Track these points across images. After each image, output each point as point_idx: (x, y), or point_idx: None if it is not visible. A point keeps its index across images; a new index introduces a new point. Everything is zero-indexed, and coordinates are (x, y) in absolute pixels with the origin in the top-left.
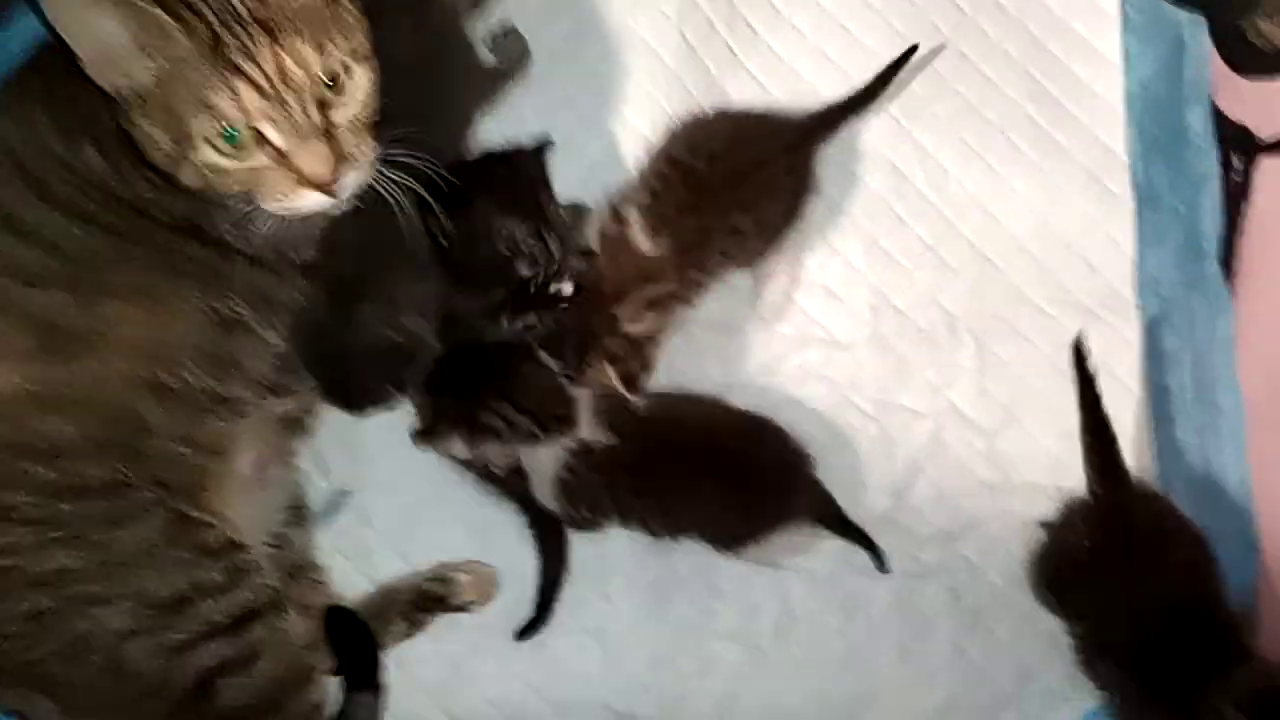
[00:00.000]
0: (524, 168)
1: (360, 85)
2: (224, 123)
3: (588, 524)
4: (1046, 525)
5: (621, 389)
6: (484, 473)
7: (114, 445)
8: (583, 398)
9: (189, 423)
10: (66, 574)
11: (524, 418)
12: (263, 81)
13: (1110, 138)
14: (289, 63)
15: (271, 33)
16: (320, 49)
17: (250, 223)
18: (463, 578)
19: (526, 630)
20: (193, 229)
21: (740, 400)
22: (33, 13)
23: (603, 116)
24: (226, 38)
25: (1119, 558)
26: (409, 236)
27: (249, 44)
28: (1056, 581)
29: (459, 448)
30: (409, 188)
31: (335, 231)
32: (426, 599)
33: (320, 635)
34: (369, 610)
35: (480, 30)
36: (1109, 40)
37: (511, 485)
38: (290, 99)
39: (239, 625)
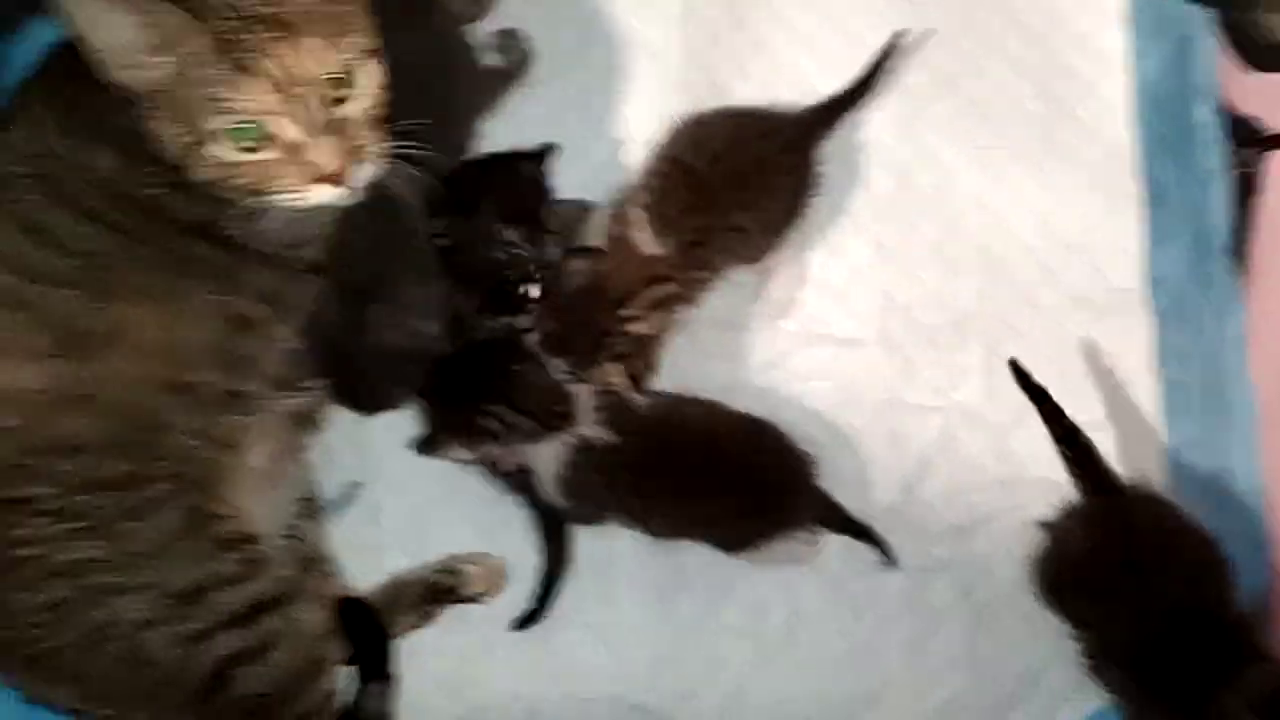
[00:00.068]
0: (523, 172)
1: (369, 80)
2: (238, 119)
3: (590, 519)
4: (1046, 526)
5: (628, 388)
6: (491, 468)
7: (131, 441)
8: (583, 395)
9: (203, 418)
10: (85, 565)
11: (523, 418)
12: (276, 78)
13: (1116, 135)
14: (301, 59)
15: (284, 30)
16: (332, 46)
17: (259, 220)
18: (472, 569)
19: (524, 621)
20: (203, 228)
21: (745, 397)
22: (47, 15)
23: (608, 118)
24: (240, 35)
25: (1119, 563)
26: (418, 238)
27: (262, 42)
28: (1058, 587)
29: (460, 453)
30: (420, 177)
31: (346, 233)
32: (436, 590)
33: (333, 626)
34: (380, 601)
35: (483, 33)
36: (1114, 37)
37: (517, 481)
38: (302, 95)
39: (253, 616)
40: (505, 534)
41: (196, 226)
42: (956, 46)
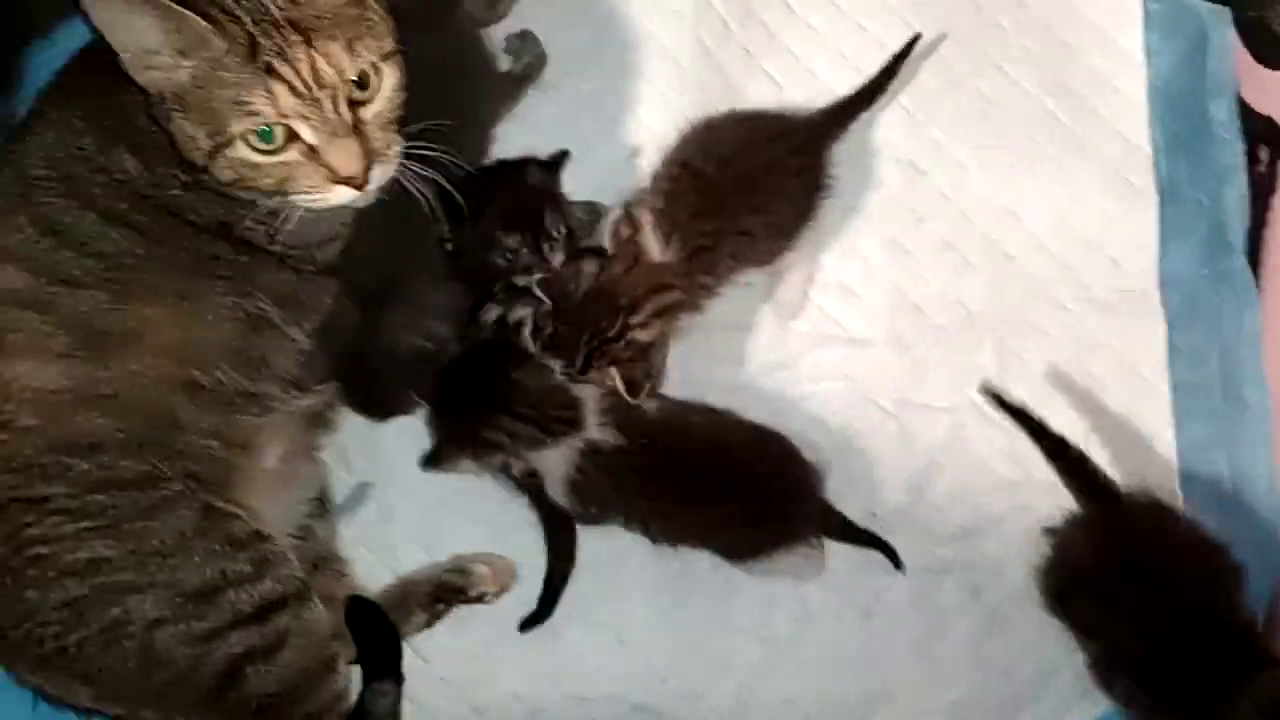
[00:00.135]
0: (529, 178)
1: (388, 83)
2: (258, 122)
3: (596, 520)
4: (1051, 534)
5: (624, 393)
6: (502, 471)
7: (147, 440)
8: (589, 398)
9: (219, 418)
10: (100, 563)
11: (526, 425)
12: (297, 82)
13: (1132, 132)
14: (322, 64)
15: (305, 35)
16: (351, 50)
17: (276, 221)
18: (481, 569)
19: (529, 622)
20: (222, 229)
21: (755, 398)
22: (78, 15)
23: (620, 120)
24: (262, 40)
25: (1121, 570)
26: (433, 240)
27: (284, 46)
28: (1063, 595)
29: (468, 465)
30: (433, 182)
31: (361, 238)
32: (445, 590)
33: (343, 625)
34: (389, 601)
35: (497, 35)
36: (1130, 34)
37: (524, 482)
38: (322, 98)
39: (265, 614)
40: (515, 534)
41: (215, 227)
42: (970, 45)
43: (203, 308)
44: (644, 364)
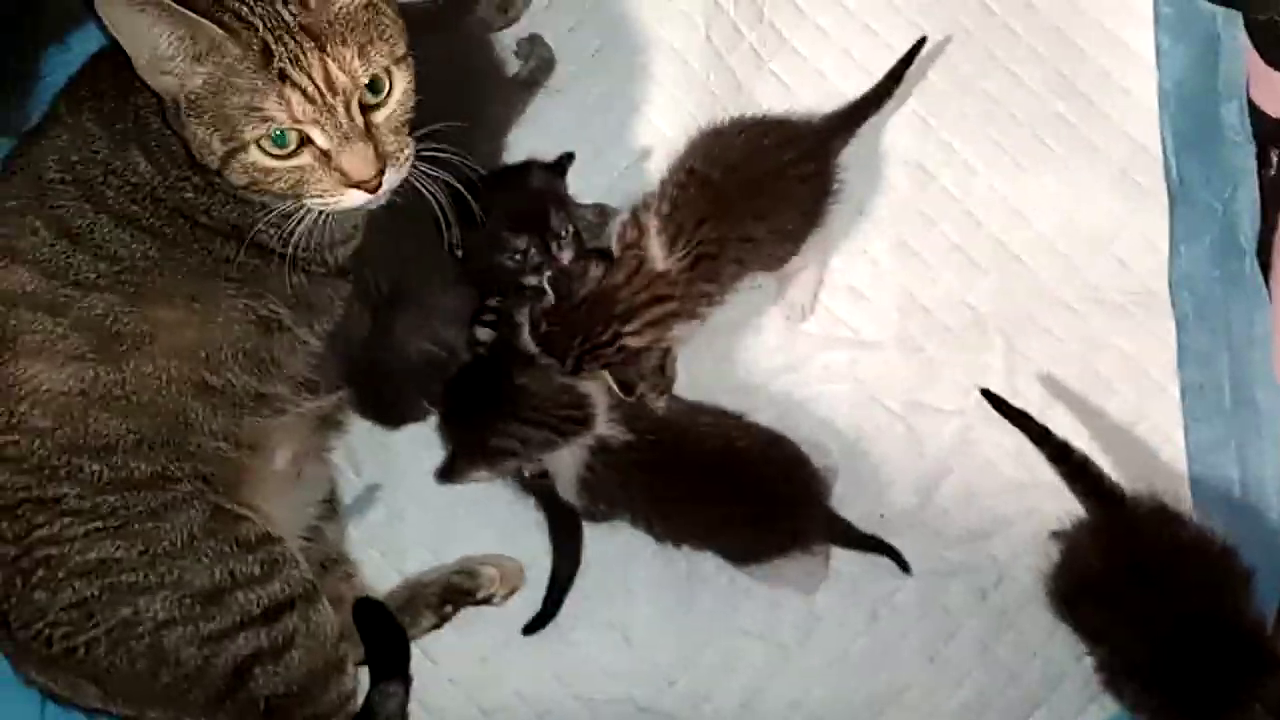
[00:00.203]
0: (534, 181)
1: (399, 86)
2: (273, 128)
3: (605, 517)
4: (1059, 538)
5: (619, 394)
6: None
7: (159, 442)
8: (598, 394)
9: (230, 420)
10: (110, 564)
11: (537, 429)
12: (310, 88)
13: (1142, 134)
14: (335, 69)
15: (319, 41)
16: (364, 55)
17: (288, 224)
18: (489, 571)
19: (534, 624)
20: (234, 232)
21: (764, 400)
22: (93, 21)
23: (630, 122)
24: (276, 47)
25: (1127, 574)
26: (444, 246)
27: (298, 52)
28: (1070, 600)
29: (482, 475)
30: (445, 185)
31: (372, 242)
32: (453, 592)
33: (351, 626)
34: (397, 603)
35: (506, 39)
36: (1140, 36)
37: (533, 484)
38: (336, 104)
39: (274, 616)
40: (524, 536)
41: (228, 230)
42: (979, 47)
43: (215, 310)
44: (636, 366)
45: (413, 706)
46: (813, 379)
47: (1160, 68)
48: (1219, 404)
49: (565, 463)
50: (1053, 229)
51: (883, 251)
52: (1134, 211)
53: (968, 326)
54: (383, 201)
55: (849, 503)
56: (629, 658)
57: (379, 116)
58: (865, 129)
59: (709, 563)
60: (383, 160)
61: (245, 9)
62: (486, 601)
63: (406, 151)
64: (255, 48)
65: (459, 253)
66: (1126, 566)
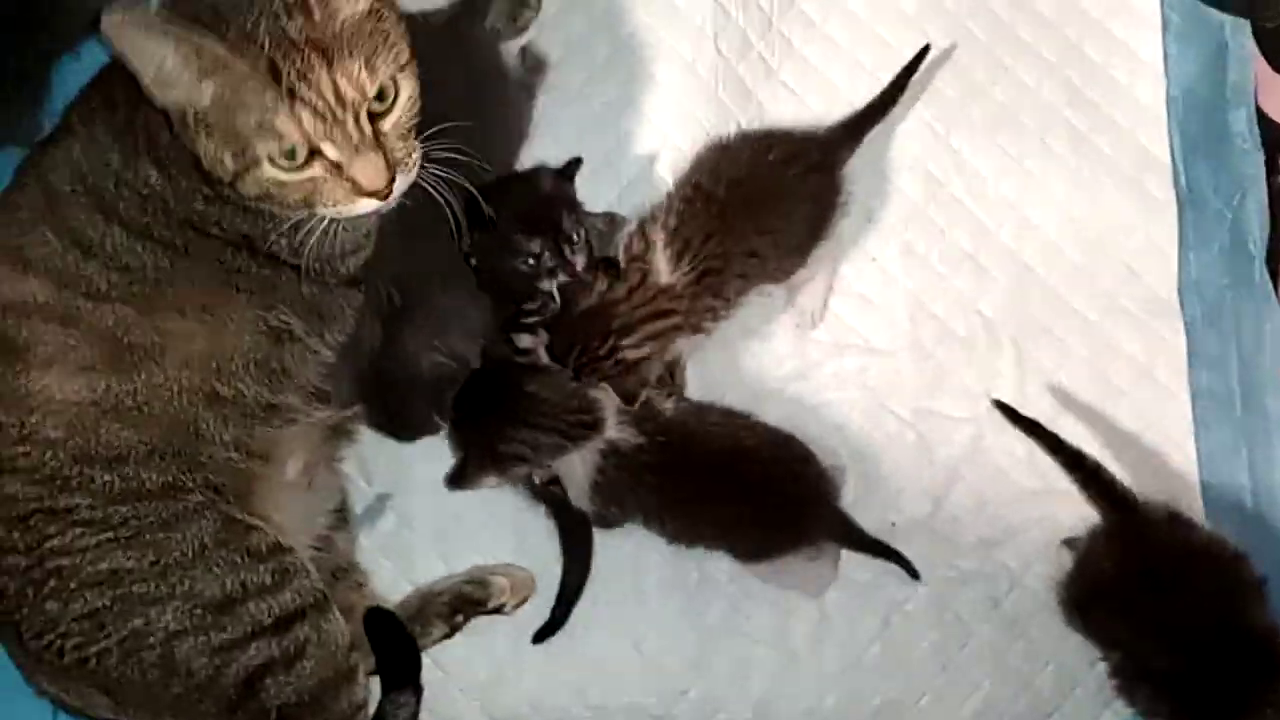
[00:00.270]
0: (543, 185)
1: (405, 92)
2: (285, 146)
3: (617, 521)
4: (1073, 546)
5: (620, 403)
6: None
7: (170, 452)
8: (607, 398)
9: (241, 430)
10: (121, 574)
11: (548, 435)
12: (320, 105)
13: (1151, 141)
14: (344, 84)
15: (325, 55)
16: (371, 68)
17: (299, 234)
18: (500, 580)
19: (543, 633)
20: (245, 242)
21: (775, 407)
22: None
23: (640, 132)
24: (284, 65)
25: (1141, 581)
26: (456, 254)
27: (305, 69)
28: (1083, 606)
29: (492, 481)
30: (457, 191)
31: (383, 252)
32: (464, 602)
33: (362, 636)
34: (407, 612)
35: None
36: (1149, 43)
37: (543, 491)
38: (345, 117)
39: (285, 625)
40: (535, 544)
41: (239, 240)
42: (988, 55)
43: (226, 321)
44: (635, 376)
45: (424, 716)
46: (823, 386)
47: (1169, 75)
48: (1229, 410)
49: (577, 467)
50: (1062, 235)
51: (892, 259)
52: (1143, 218)
53: (978, 333)
54: (393, 205)
55: (860, 510)
56: (640, 666)
57: (386, 124)
58: (874, 136)
59: (720, 571)
60: (393, 169)
61: (249, 25)
62: (497, 611)
63: (414, 156)
64: (261, 66)
65: (472, 260)
66: (1140, 572)
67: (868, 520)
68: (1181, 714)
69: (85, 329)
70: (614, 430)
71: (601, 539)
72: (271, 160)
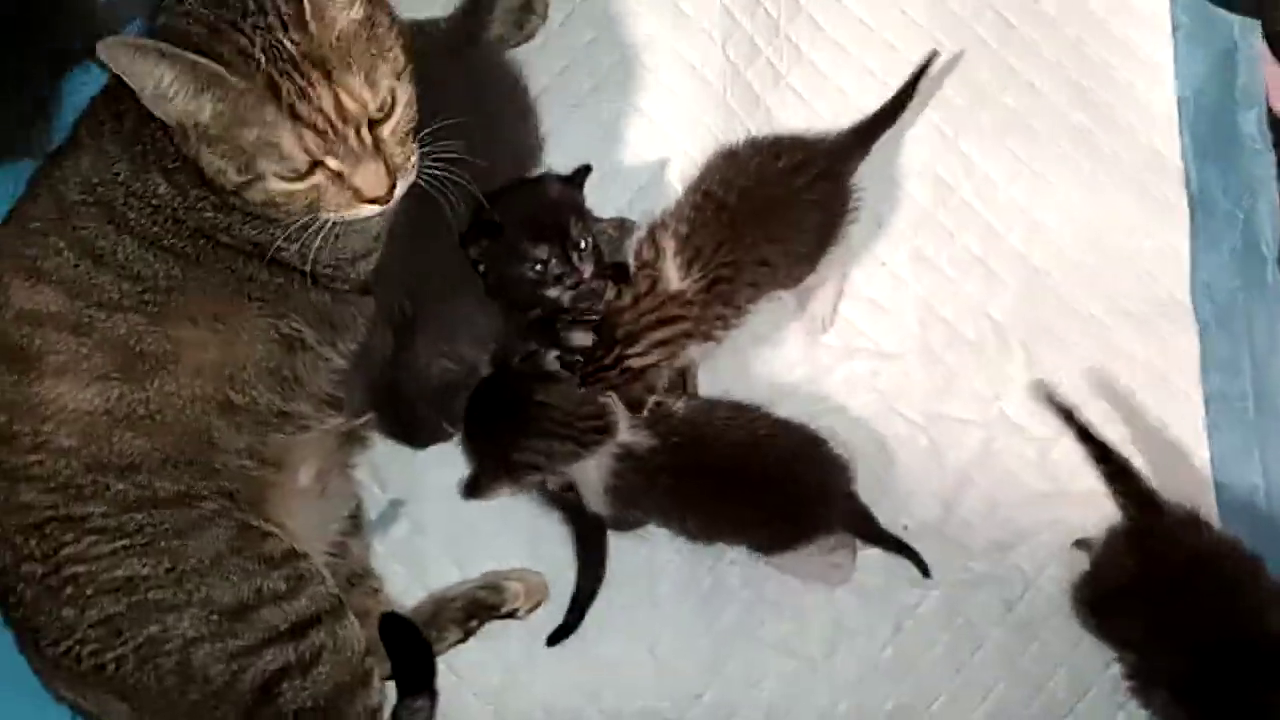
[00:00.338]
0: (550, 192)
1: (402, 99)
2: (289, 164)
3: (635, 523)
4: (1089, 548)
5: (627, 411)
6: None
7: (184, 460)
8: (617, 403)
9: (254, 437)
10: (137, 581)
11: (561, 443)
12: (322, 122)
13: (1162, 143)
14: (346, 99)
15: (325, 71)
16: (371, 81)
17: (306, 235)
18: (514, 585)
19: (556, 636)
20: (255, 250)
21: (786, 412)
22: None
23: (649, 138)
24: (283, 83)
25: (1165, 585)
26: (465, 262)
27: (306, 86)
28: (1100, 609)
29: (507, 490)
30: (463, 190)
31: (392, 260)
32: (478, 607)
33: (377, 641)
34: (422, 617)
35: None
36: (1159, 45)
37: (558, 497)
38: (348, 131)
39: (300, 631)
40: (549, 548)
41: (249, 248)
42: (998, 59)
43: (238, 329)
44: (642, 384)
45: None
46: (833, 391)
47: (1179, 77)
48: (1242, 412)
49: (591, 472)
50: (1073, 239)
51: (902, 263)
52: (1154, 221)
53: (988, 337)
54: (393, 206)
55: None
56: (654, 670)
57: (385, 130)
58: (884, 142)
59: (734, 575)
60: (393, 175)
61: (245, 42)
62: (511, 615)
63: (413, 160)
64: (260, 84)
65: (480, 267)
66: (1162, 574)
67: (880, 524)
68: (1198, 718)
69: (98, 338)
70: (627, 433)
71: (615, 543)
72: (275, 174)
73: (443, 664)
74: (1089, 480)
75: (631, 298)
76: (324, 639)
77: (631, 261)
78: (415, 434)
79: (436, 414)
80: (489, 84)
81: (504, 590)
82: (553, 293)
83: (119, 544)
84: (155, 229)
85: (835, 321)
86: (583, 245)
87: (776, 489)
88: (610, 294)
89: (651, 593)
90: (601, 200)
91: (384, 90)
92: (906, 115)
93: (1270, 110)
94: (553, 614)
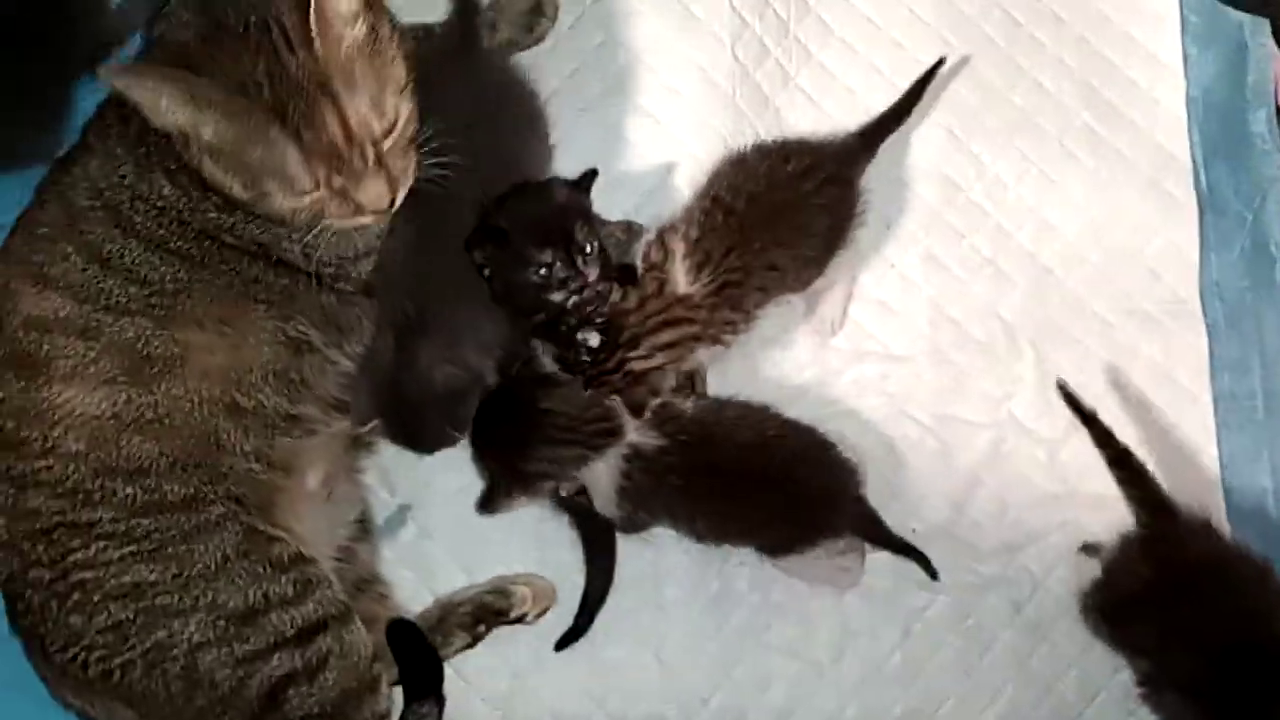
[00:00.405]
0: (555, 196)
1: (404, 114)
2: (298, 188)
3: (645, 525)
4: (1099, 554)
5: (629, 415)
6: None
7: (192, 464)
8: (621, 406)
9: (261, 441)
10: (145, 587)
11: (569, 449)
12: (329, 148)
13: (1171, 143)
14: (352, 121)
15: (330, 92)
16: (377, 103)
17: (309, 234)
18: (521, 590)
19: (565, 641)
20: (261, 251)
21: (795, 414)
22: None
23: (658, 140)
24: (289, 107)
25: (1178, 591)
26: (470, 267)
27: (311, 111)
28: (1112, 615)
29: (522, 501)
30: (464, 189)
31: (396, 265)
32: (486, 612)
33: (385, 646)
34: (429, 623)
35: None
36: (1168, 45)
37: (567, 501)
38: (352, 154)
39: (307, 636)
40: (556, 553)
41: (254, 249)
42: (1007, 59)
43: (245, 331)
44: (645, 387)
45: None
46: (843, 393)
47: (1188, 76)
48: (1251, 413)
49: (601, 475)
50: (1082, 239)
51: (912, 265)
52: (1163, 221)
53: (998, 338)
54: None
55: (881, 516)
56: (661, 675)
57: (387, 144)
58: (892, 143)
59: (741, 580)
60: (395, 187)
61: (246, 62)
62: (519, 621)
63: (411, 169)
64: (263, 108)
65: (485, 271)
66: (1176, 580)
67: (889, 526)
68: None
69: (106, 342)
70: (635, 434)
71: (623, 548)
72: (280, 192)
73: (450, 669)
74: (1099, 482)
75: (637, 300)
76: (331, 644)
77: (639, 264)
78: (421, 439)
79: (442, 420)
80: (496, 90)
81: (512, 595)
82: (557, 297)
83: (127, 549)
84: (161, 231)
85: (844, 324)
86: (588, 249)
87: (784, 489)
88: (616, 296)
89: (658, 597)
90: (610, 203)
91: (390, 111)
92: (915, 117)
93: (1278, 109)
94: (560, 619)
